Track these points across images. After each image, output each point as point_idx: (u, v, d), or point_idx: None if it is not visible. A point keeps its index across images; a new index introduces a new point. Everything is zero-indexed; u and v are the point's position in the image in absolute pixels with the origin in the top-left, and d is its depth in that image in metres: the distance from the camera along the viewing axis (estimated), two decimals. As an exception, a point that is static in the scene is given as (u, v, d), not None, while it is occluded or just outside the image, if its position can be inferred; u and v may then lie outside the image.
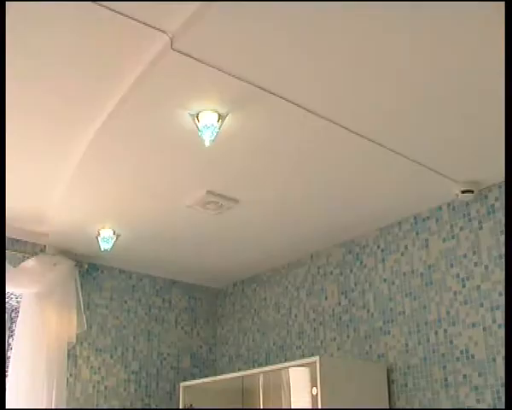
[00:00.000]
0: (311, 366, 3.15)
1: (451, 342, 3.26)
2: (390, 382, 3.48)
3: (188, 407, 3.95)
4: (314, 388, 3.10)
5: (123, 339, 4.36)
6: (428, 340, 3.36)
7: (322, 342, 3.94)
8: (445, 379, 3.24)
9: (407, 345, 3.45)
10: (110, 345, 4.29)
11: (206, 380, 4.01)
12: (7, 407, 3.69)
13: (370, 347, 3.65)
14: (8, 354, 3.98)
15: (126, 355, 4.35)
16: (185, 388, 4.00)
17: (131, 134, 2.79)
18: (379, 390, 3.43)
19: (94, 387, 4.16)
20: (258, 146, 2.90)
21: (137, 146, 2.90)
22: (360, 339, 3.72)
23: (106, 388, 4.20)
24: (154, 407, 4.35)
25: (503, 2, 1.94)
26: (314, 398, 3.10)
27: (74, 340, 4.00)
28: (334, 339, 3.87)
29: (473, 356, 3.15)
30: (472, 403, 3.10)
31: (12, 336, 4.01)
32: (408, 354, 3.44)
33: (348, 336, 3.79)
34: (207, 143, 2.56)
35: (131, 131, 2.76)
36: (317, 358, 3.15)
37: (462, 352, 3.20)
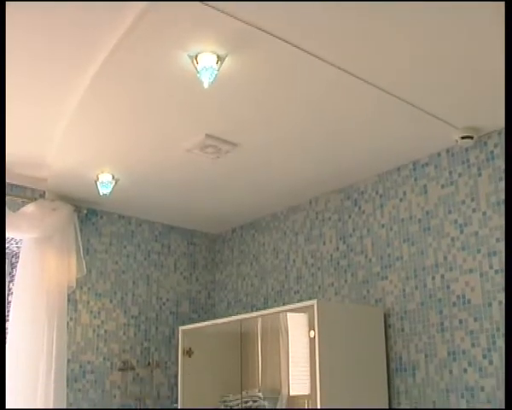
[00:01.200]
0: (309, 309, 3.17)
1: (448, 287, 3.28)
2: (387, 326, 3.52)
3: (187, 350, 4.00)
4: (312, 331, 3.13)
5: (122, 284, 4.39)
6: (425, 285, 3.39)
7: (320, 287, 3.98)
8: (441, 324, 3.28)
9: (404, 290, 3.48)
10: (109, 290, 4.33)
11: (204, 324, 4.05)
12: (8, 346, 3.74)
13: (368, 292, 3.68)
14: (9, 298, 4.02)
15: (126, 300, 4.38)
16: (184, 332, 4.04)
17: (130, 77, 2.76)
18: (376, 334, 3.47)
19: (94, 331, 4.21)
20: (257, 90, 2.87)
21: (136, 89, 2.87)
22: (358, 284, 3.75)
23: (106, 332, 4.25)
24: (153, 350, 4.41)
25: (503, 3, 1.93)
26: (312, 341, 3.13)
27: (74, 284, 4.02)
28: (332, 284, 3.90)
29: (469, 301, 3.18)
30: (467, 347, 3.14)
31: (12, 281, 4.04)
32: (405, 299, 3.47)
33: (346, 281, 3.82)
34: (206, 85, 2.54)
35: (130, 74, 2.73)
36: (314, 301, 3.17)
37: (458, 297, 3.23)
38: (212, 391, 3.94)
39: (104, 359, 4.21)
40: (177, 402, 4.03)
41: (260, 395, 3.54)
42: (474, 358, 3.12)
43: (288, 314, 3.44)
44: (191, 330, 4.04)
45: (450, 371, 3.21)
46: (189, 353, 4.00)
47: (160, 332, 4.49)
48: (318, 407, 3.05)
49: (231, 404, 3.74)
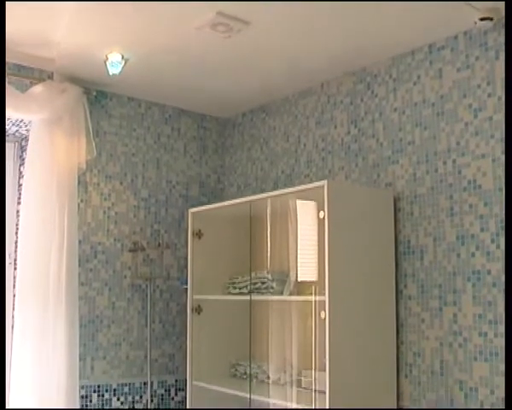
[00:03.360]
0: (319, 190, 3.16)
1: (459, 172, 3.26)
2: (396, 210, 3.52)
3: (196, 232, 4.03)
4: (321, 211, 3.13)
5: (132, 166, 4.39)
6: (436, 170, 3.36)
7: (330, 171, 3.96)
8: (451, 208, 3.27)
9: (415, 174, 3.46)
10: (119, 172, 4.33)
11: (214, 206, 4.06)
12: (21, 228, 3.78)
13: (378, 176, 3.67)
14: (20, 181, 4.03)
15: (136, 182, 4.39)
16: (194, 214, 4.06)
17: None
18: (385, 218, 3.48)
19: (104, 213, 4.24)
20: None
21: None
22: (368, 168, 3.73)
23: (116, 213, 4.28)
24: (163, 232, 4.46)
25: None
26: (321, 222, 3.14)
27: (84, 166, 4.01)
28: (343, 168, 3.88)
29: (480, 186, 3.16)
30: (476, 231, 3.15)
31: (23, 164, 4.04)
32: (415, 184, 3.46)
33: (356, 165, 3.80)
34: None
35: None
36: (324, 182, 3.15)
37: (469, 182, 3.21)
38: (220, 273, 4.00)
39: (115, 240, 4.26)
40: (186, 283, 4.10)
41: (269, 276, 3.58)
42: (482, 242, 3.13)
43: (298, 195, 3.43)
44: (201, 212, 4.06)
45: (458, 255, 3.23)
46: (198, 235, 4.03)
47: (169, 215, 4.52)
48: (326, 292, 3.11)
49: (240, 285, 3.80)
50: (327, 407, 3.08)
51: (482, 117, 3.19)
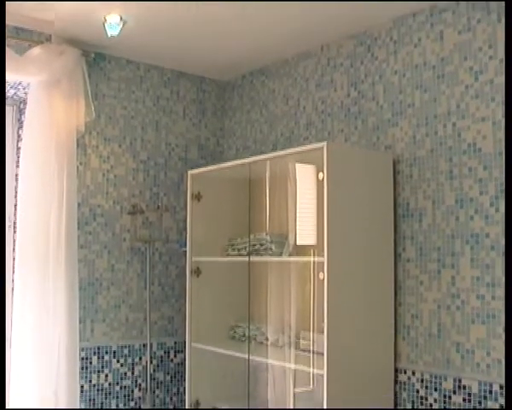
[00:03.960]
0: (318, 152, 3.15)
1: (459, 135, 3.25)
2: (396, 172, 3.52)
3: (195, 195, 4.03)
4: (320, 173, 3.13)
5: (131, 129, 4.37)
6: (436, 133, 3.35)
7: (329, 134, 3.95)
8: (450, 171, 3.27)
9: (415, 137, 3.45)
10: (118, 135, 4.32)
11: (213, 168, 4.04)
12: (20, 192, 3.78)
13: (378, 138, 3.66)
14: (19, 144, 4.02)
15: (135, 145, 4.38)
16: (193, 176, 4.05)
17: None
18: (384, 180, 3.48)
19: (103, 175, 4.23)
20: None
21: None
22: (368, 131, 3.72)
23: (115, 176, 4.28)
24: (162, 195, 4.45)
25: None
26: (320, 184, 3.14)
27: (83, 129, 3.99)
28: (342, 130, 3.87)
29: (480, 150, 3.16)
30: (475, 195, 3.15)
31: (21, 127, 4.03)
32: (415, 146, 3.45)
33: (356, 128, 3.79)
34: None
35: None
36: (324, 143, 3.14)
37: (469, 145, 3.20)
38: (219, 235, 4.00)
39: (114, 203, 4.26)
40: (185, 246, 4.11)
41: (268, 238, 3.58)
42: (481, 205, 3.13)
43: (297, 157, 3.42)
44: (200, 174, 4.05)
45: (457, 218, 3.24)
46: (197, 197, 4.03)
47: (168, 177, 4.51)
48: (325, 254, 3.12)
49: (239, 247, 3.81)
50: (325, 369, 3.11)
51: (483, 80, 3.17)
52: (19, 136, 4.10)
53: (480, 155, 3.15)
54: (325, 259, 3.10)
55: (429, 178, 3.37)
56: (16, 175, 3.98)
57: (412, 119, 3.48)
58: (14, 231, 3.94)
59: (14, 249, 3.91)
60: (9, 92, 4.01)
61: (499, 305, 3.03)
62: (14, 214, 3.96)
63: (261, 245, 3.62)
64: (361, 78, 3.79)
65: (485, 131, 3.14)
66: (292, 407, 3.56)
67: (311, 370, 3.32)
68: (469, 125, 3.21)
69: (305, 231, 3.49)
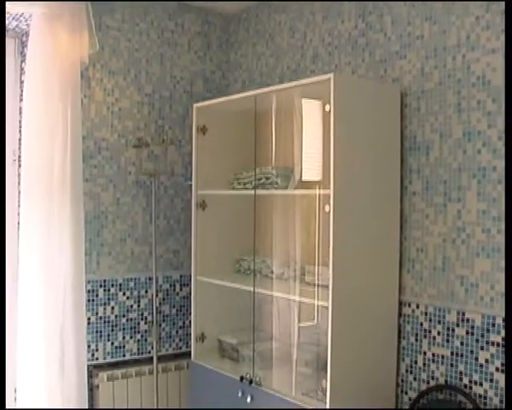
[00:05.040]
0: (325, 84, 3.09)
1: (469, 67, 3.19)
2: (403, 105, 3.47)
3: (201, 128, 4.00)
4: (327, 105, 3.09)
5: (135, 62, 4.32)
6: (445, 65, 3.29)
7: (336, 66, 3.89)
8: (459, 104, 3.23)
9: (423, 70, 3.40)
10: (123, 68, 4.27)
11: (219, 100, 4.00)
12: (24, 128, 3.75)
13: (385, 71, 3.60)
14: (22, 78, 3.98)
15: (139, 78, 4.34)
16: (198, 109, 4.01)
17: None
18: (391, 113, 3.44)
19: (108, 108, 4.20)
20: None
21: None
22: (375, 63, 3.66)
23: (120, 109, 4.25)
24: (167, 128, 4.43)
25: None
26: (326, 116, 3.10)
27: (87, 61, 3.92)
28: (349, 63, 3.81)
29: (489, 82, 3.10)
30: (483, 128, 3.11)
31: (24, 60, 3.97)
32: (423, 79, 3.39)
33: (363, 60, 3.73)
34: None
35: None
36: (331, 75, 3.08)
37: (478, 78, 3.15)
38: (225, 168, 3.98)
39: (119, 136, 4.24)
40: (190, 179, 4.10)
41: (273, 172, 3.56)
42: (488, 139, 3.10)
43: (304, 89, 3.35)
44: (205, 107, 4.01)
45: (464, 152, 3.21)
46: (203, 130, 4.00)
47: (174, 111, 4.48)
48: (331, 186, 3.10)
49: (244, 181, 3.79)
50: (330, 301, 3.12)
51: (494, 11, 3.09)
52: (22, 69, 4.05)
53: (489, 88, 3.10)
54: (331, 191, 3.09)
55: (437, 111, 3.33)
56: (20, 109, 3.95)
57: (420, 51, 3.41)
58: (19, 166, 3.93)
59: (19, 184, 3.90)
60: (11, 24, 3.94)
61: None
62: (19, 149, 3.94)
63: (267, 179, 3.61)
64: (369, 9, 3.71)
65: (495, 64, 3.08)
66: (296, 340, 3.60)
67: (316, 302, 3.34)
68: (479, 58, 3.15)
69: (311, 164, 3.47)
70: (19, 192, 3.86)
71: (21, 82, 4.00)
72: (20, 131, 3.93)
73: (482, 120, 3.13)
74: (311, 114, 3.47)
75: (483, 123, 3.12)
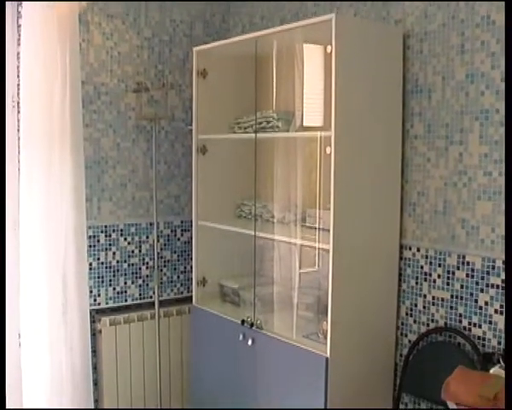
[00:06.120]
0: (327, 25, 3.04)
1: (473, 8, 3.13)
2: (405, 48, 3.42)
3: (201, 71, 3.96)
4: (328, 46, 3.05)
5: (134, 5, 4.25)
6: (448, 5, 3.24)
7: (338, 8, 3.81)
8: (462, 45, 3.18)
9: (426, 11, 3.34)
10: (121, 11, 4.20)
11: (219, 43, 3.94)
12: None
13: (388, 12, 3.54)
14: (19, 21, 3.91)
15: (138, 22, 4.27)
16: (198, 52, 3.96)
17: None
18: (394, 55, 3.39)
19: (107, 53, 4.15)
20: None
21: None
22: (378, 4, 3.60)
23: (119, 53, 4.19)
24: (167, 73, 4.38)
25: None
26: (328, 57, 3.06)
27: (85, 4, 3.86)
28: (351, 5, 3.72)
29: (493, 22, 3.05)
30: (486, 69, 3.08)
31: (20, 4, 3.90)
32: (426, 20, 3.34)
33: (365, 3, 3.66)
34: None
35: None
36: (332, 15, 3.03)
37: (482, 18, 3.09)
38: (226, 112, 3.95)
39: (118, 81, 4.20)
40: (191, 124, 4.08)
41: (274, 115, 3.53)
42: (492, 80, 3.07)
43: (305, 31, 3.30)
44: (206, 50, 3.96)
45: (467, 94, 3.17)
46: (203, 74, 3.96)
47: (173, 55, 4.42)
48: (332, 127, 3.08)
49: (245, 125, 3.76)
50: (331, 244, 3.13)
51: (498, -51, 3.04)
52: (19, 12, 3.99)
53: (493, 28, 3.05)
54: (332, 133, 3.06)
55: (440, 53, 3.28)
56: (18, 53, 3.90)
57: (424, -12, 3.35)
58: (18, 112, 3.90)
59: (18, 130, 3.87)
60: (8, -33, 3.87)
61: (506, 181, 3.02)
62: (18, 94, 3.90)
63: (267, 123, 3.58)
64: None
65: (499, 3, 3.03)
66: (297, 284, 3.62)
67: (317, 245, 3.35)
68: (483, -4, 3.10)
69: (313, 107, 3.44)
70: (18, 138, 3.83)
71: (18, 26, 3.94)
72: (18, 76, 3.88)
73: (486, 62, 3.09)
74: (313, 56, 3.43)
75: (486, 64, 3.08)
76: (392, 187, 3.45)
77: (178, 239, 4.53)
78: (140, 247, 4.35)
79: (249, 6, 4.51)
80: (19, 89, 3.82)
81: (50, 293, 3.74)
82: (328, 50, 3.04)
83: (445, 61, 3.26)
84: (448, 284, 3.31)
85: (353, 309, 3.30)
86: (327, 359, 3.18)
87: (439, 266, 3.34)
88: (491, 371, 2.69)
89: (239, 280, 4.02)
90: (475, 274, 3.18)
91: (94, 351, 4.14)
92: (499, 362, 2.72)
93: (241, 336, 3.66)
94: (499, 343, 3.09)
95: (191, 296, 4.17)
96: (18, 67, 3.87)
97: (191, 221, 4.12)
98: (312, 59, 3.43)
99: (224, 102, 4.00)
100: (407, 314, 3.52)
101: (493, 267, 3.10)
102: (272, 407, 3.52)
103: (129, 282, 4.32)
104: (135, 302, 4.38)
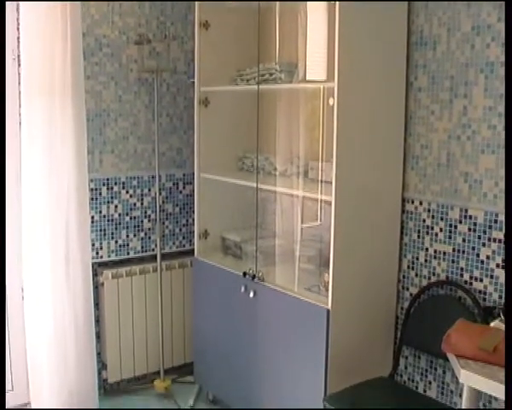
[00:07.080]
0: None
1: (479, -43, 3.10)
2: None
3: (203, 23, 3.92)
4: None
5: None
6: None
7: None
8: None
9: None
10: (122, -39, 4.15)
11: (222, -6, 3.91)
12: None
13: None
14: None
15: (140, -28, 4.22)
16: (200, 4, 3.90)
17: None
18: (398, 7, 3.34)
19: (108, 4, 4.08)
20: None
21: None
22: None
23: (120, 5, 4.11)
24: (169, 24, 4.33)
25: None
26: (331, 7, 3.02)
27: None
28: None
29: (500, -27, 3.01)
30: (493, 21, 3.04)
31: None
32: (432, -30, 3.30)
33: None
34: None
35: None
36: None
37: (489, -32, 3.06)
38: (228, 65, 3.91)
39: (120, 32, 4.15)
40: (193, 77, 4.04)
41: (277, 67, 3.50)
42: (498, 32, 3.02)
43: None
44: (208, 2, 3.90)
45: (472, 46, 3.14)
46: (205, 26, 3.91)
47: (175, 6, 4.34)
48: (335, 78, 3.05)
49: (247, 77, 3.73)
50: (333, 195, 3.13)
51: None
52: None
53: (500, -20, 3.01)
54: (335, 84, 3.03)
55: (445, 5, 3.23)
56: (17, 6, 3.85)
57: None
58: (19, 65, 3.86)
59: (19, 83, 3.84)
60: None
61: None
62: (18, 47, 3.86)
63: (270, 75, 3.54)
64: None
65: (506, -46, 2.98)
66: (299, 236, 3.63)
67: (319, 197, 3.34)
68: None
69: (316, 58, 3.41)
70: (19, 92, 3.80)
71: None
72: (18, 29, 3.83)
73: (492, 13, 3.04)
74: (316, 6, 3.39)
75: (493, 16, 3.04)
76: (395, 140, 3.43)
77: (180, 192, 4.52)
78: (142, 200, 4.35)
79: (252, -44, 4.43)
80: (19, 42, 3.79)
81: (53, 246, 3.74)
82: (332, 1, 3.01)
83: (451, 13, 3.21)
84: (450, 237, 3.31)
85: (355, 261, 3.31)
86: (328, 311, 3.20)
87: (442, 219, 3.35)
88: (492, 324, 2.71)
89: (241, 233, 4.03)
90: (477, 228, 3.18)
91: (96, 304, 4.17)
92: (500, 316, 2.73)
93: (242, 289, 3.68)
94: (500, 298, 3.11)
95: (193, 249, 4.18)
96: (17, 19, 3.82)
97: (193, 174, 4.11)
98: (316, 10, 3.39)
99: (226, 54, 3.96)
100: (409, 267, 3.54)
101: (496, 221, 3.10)
102: (274, 360, 3.55)
103: (131, 235, 4.33)
104: (137, 255, 4.39)
